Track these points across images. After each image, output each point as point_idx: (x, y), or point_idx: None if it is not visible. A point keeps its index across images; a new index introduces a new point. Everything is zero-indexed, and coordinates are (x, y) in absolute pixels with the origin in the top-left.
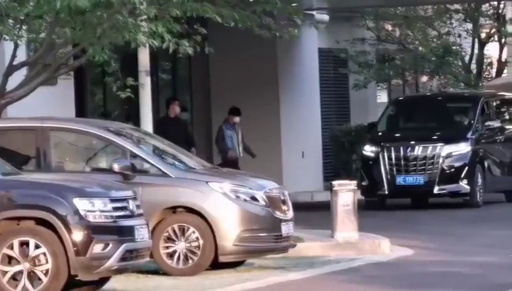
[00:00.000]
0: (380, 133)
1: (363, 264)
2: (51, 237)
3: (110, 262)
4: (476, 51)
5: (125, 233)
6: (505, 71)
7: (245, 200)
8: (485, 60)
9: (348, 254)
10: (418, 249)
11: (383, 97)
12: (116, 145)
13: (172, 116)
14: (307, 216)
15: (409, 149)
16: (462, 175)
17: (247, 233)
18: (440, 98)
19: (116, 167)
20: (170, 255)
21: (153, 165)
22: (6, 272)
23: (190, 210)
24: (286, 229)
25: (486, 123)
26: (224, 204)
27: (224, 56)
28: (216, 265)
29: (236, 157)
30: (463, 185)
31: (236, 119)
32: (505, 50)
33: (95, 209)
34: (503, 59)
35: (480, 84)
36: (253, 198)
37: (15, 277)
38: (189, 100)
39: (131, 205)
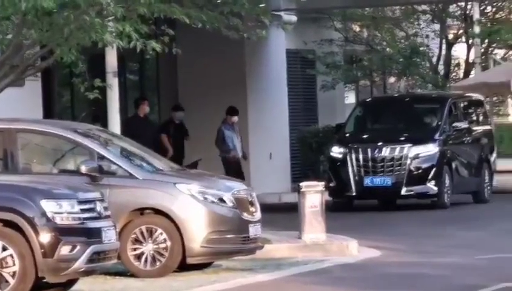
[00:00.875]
0: (348, 134)
1: (331, 265)
2: (19, 239)
3: (78, 264)
4: (444, 52)
5: (93, 235)
6: (472, 72)
7: (212, 201)
8: (453, 61)
9: (316, 255)
10: (386, 250)
11: (350, 98)
12: (83, 146)
13: (141, 116)
14: (274, 218)
15: (376, 150)
16: (430, 176)
17: (215, 234)
18: (407, 99)
19: (83, 168)
20: (138, 257)
21: (120, 166)
22: None
23: (158, 212)
24: (254, 231)
25: (454, 125)
26: (192, 206)
27: (191, 57)
28: (184, 266)
29: (238, 157)
30: (431, 186)
31: (235, 119)
32: (472, 50)
33: (62, 211)
34: (470, 60)
35: (448, 85)
36: (221, 200)
37: None
38: (157, 101)
39: (99, 206)
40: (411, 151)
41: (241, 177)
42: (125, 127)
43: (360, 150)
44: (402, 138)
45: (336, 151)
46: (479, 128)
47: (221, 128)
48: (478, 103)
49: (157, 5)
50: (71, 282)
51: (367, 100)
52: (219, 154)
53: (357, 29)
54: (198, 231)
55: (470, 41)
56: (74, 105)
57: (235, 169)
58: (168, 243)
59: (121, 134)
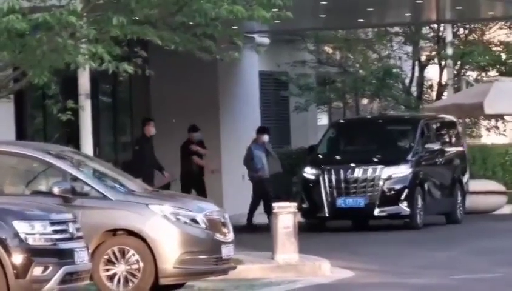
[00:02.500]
0: (321, 156)
1: (303, 286)
2: None
3: (50, 284)
4: (416, 73)
5: (65, 256)
6: (445, 93)
7: (185, 222)
8: (425, 83)
9: (288, 276)
10: (359, 271)
11: (323, 120)
12: (56, 168)
13: (148, 137)
14: (247, 239)
15: (349, 171)
16: (402, 197)
17: (188, 255)
18: (380, 121)
19: (56, 189)
20: (110, 278)
21: (93, 187)
22: None
23: (130, 233)
24: (226, 251)
25: (426, 146)
26: (165, 227)
27: (164, 79)
28: (157, 287)
29: (266, 177)
30: (403, 207)
31: (265, 138)
32: (445, 72)
33: (35, 232)
34: (443, 82)
35: (420, 107)
36: (194, 220)
37: None
38: (129, 122)
39: (71, 228)
40: (384, 172)
41: (267, 198)
42: (133, 147)
43: (333, 171)
44: (375, 159)
45: (309, 173)
46: (452, 150)
47: (250, 147)
48: (451, 125)
49: (130, 27)
50: None
51: (340, 121)
52: (247, 173)
53: (330, 51)
54: (170, 252)
55: (443, 63)
56: (46, 127)
57: (260, 189)
58: (141, 264)
59: (133, 153)
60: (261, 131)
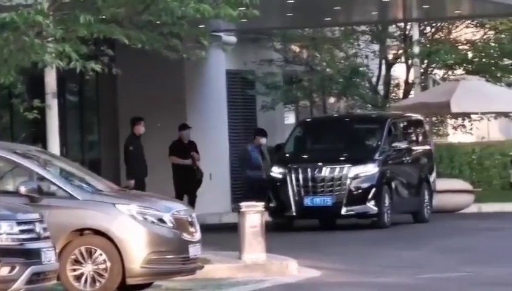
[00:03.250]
0: (288, 155)
1: (270, 285)
2: None
3: (17, 284)
4: (383, 72)
5: (32, 256)
6: (412, 92)
7: (152, 222)
8: (392, 82)
9: (256, 275)
10: (326, 270)
11: (290, 119)
12: (22, 167)
13: (137, 135)
14: (215, 238)
15: (316, 170)
16: (370, 196)
17: (155, 255)
18: (347, 119)
19: (22, 189)
20: (78, 278)
21: (60, 187)
22: None
23: (97, 232)
24: (194, 251)
25: (394, 145)
26: (131, 226)
27: (131, 77)
28: (124, 287)
29: (261, 179)
30: (371, 206)
31: (263, 141)
32: (412, 71)
33: (1, 232)
34: (410, 80)
35: (387, 105)
36: (161, 220)
37: None
38: (96, 121)
39: (38, 227)
40: (351, 171)
41: (262, 198)
42: (126, 145)
43: (300, 170)
44: (342, 158)
45: (276, 172)
46: (419, 148)
47: (246, 148)
48: (418, 124)
49: (96, 26)
50: None
51: (307, 120)
52: (245, 173)
53: (297, 50)
54: (137, 252)
55: (409, 61)
56: (13, 126)
57: (257, 189)
58: (108, 264)
59: (125, 153)
60: (260, 133)
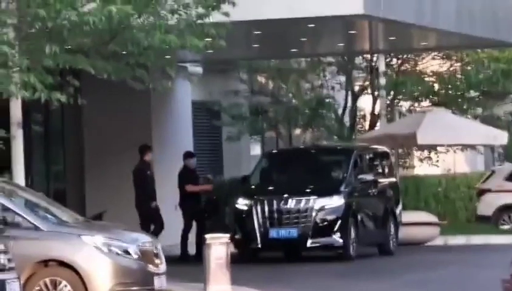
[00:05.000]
0: (253, 186)
1: None
2: None
3: None
4: (349, 103)
5: None
6: (378, 123)
7: (117, 253)
8: (358, 113)
9: None
10: None
11: (256, 150)
12: None
13: (148, 162)
14: (180, 270)
15: (282, 202)
16: (335, 228)
17: (120, 286)
18: (313, 151)
19: None
20: None
21: (24, 218)
22: None
23: (62, 264)
24: (159, 282)
25: (360, 177)
26: (97, 257)
27: (97, 108)
28: None
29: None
30: (336, 238)
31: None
32: (378, 102)
33: None
34: (376, 112)
35: (354, 137)
36: (126, 251)
37: None
38: (62, 152)
39: (3, 258)
40: (317, 203)
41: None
42: (138, 174)
43: (266, 201)
44: (308, 190)
45: (242, 203)
46: (385, 180)
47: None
48: (384, 155)
49: (62, 56)
50: None
51: (273, 151)
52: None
53: (263, 80)
54: (102, 283)
55: (376, 93)
56: None
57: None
58: None
59: (134, 180)
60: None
